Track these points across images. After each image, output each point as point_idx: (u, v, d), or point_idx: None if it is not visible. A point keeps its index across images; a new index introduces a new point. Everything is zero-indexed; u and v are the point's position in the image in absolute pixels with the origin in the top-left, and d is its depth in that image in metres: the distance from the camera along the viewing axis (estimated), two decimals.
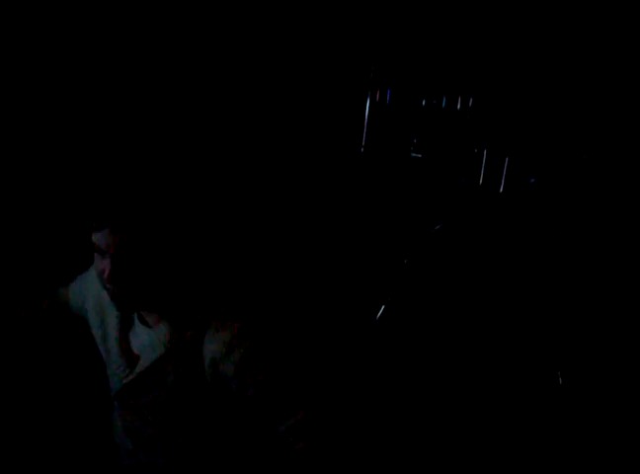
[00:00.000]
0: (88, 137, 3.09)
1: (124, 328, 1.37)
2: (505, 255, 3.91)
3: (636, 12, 3.72)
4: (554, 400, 3.18)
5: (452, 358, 3.46)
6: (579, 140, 3.94)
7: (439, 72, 4.23)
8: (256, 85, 3.96)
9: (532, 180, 4.04)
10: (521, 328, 3.60)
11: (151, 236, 1.15)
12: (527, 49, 3.97)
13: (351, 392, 3.13)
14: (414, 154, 4.32)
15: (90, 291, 1.46)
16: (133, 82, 3.26)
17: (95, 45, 3.05)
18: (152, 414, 1.36)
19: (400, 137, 4.34)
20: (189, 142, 3.59)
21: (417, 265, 4.04)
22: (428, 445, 2.82)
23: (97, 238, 1.14)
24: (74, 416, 2.49)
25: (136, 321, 1.34)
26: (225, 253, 3.51)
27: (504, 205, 4.10)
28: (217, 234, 3.51)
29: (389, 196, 4.35)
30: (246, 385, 1.24)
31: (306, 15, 3.99)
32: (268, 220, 4.02)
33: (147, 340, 1.31)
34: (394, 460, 2.68)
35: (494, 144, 4.17)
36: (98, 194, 1.16)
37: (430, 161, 4.30)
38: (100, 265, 1.17)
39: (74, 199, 2.95)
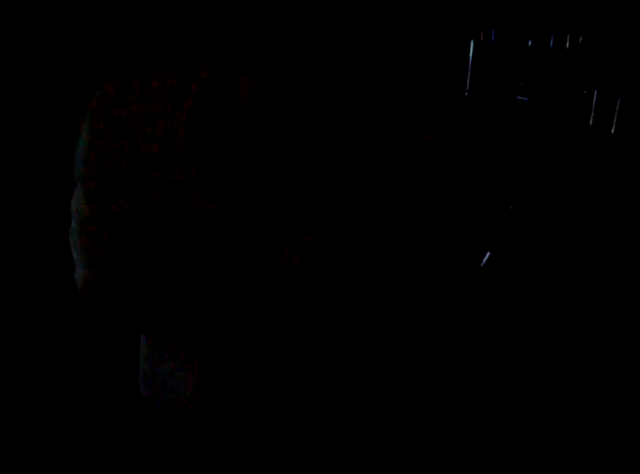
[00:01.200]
0: None
1: None
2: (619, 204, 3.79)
3: None
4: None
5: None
6: None
7: (545, 10, 4.06)
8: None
9: None
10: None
11: None
12: None
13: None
14: (520, 97, 4.14)
15: None
16: None
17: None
18: None
19: (506, 80, 4.15)
20: None
21: (524, 212, 3.88)
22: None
23: None
24: None
25: None
26: None
27: (616, 147, 3.98)
28: None
29: (495, 140, 4.15)
30: None
31: None
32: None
33: None
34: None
35: (605, 85, 4.04)
36: None
37: (537, 104, 4.13)
38: None
39: None
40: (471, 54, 4.11)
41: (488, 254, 3.75)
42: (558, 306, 3.15)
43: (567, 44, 4.07)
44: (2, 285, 2.63)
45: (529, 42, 4.10)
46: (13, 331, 2.56)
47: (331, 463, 1.04)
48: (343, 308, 0.89)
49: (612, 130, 4.04)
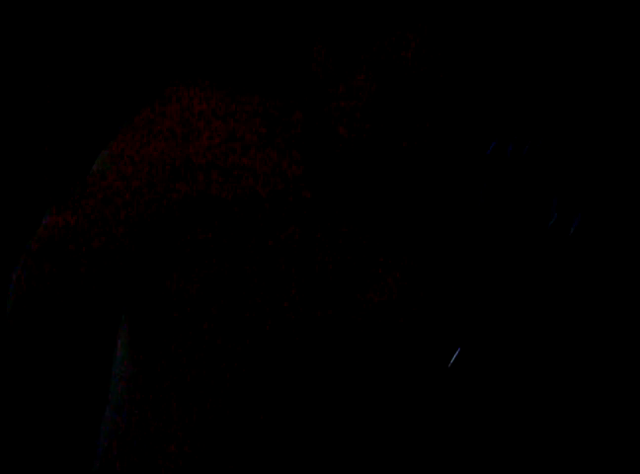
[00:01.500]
0: None
1: None
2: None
3: None
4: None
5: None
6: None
7: (504, 119, 4.19)
8: None
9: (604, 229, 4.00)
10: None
11: None
12: None
13: None
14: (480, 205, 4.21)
15: None
16: None
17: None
18: None
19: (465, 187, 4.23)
20: None
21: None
22: None
23: None
24: None
25: None
26: None
27: (575, 250, 4.02)
28: None
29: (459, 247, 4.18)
30: None
31: None
32: None
33: None
34: None
35: (564, 192, 4.13)
36: None
37: (496, 212, 4.19)
38: None
39: None
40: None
41: (456, 354, 3.69)
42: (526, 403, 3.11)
43: (525, 152, 4.18)
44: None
45: (488, 151, 4.20)
46: None
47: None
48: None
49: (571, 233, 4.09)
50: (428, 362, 1.02)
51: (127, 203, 0.82)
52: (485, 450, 2.63)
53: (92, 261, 0.84)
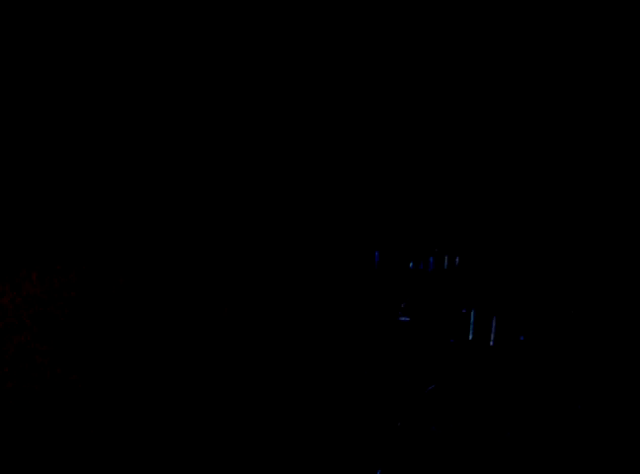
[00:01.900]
0: None
1: None
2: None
3: None
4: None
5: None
6: (564, 293, 4.19)
7: (424, 232, 4.38)
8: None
9: (522, 337, 4.18)
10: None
11: None
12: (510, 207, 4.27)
13: None
14: (402, 318, 4.30)
15: None
16: None
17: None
18: None
19: (388, 301, 4.33)
20: None
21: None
22: None
23: None
24: None
25: None
26: None
27: (495, 359, 4.15)
28: None
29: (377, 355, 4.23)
30: None
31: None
32: None
33: None
34: None
35: (481, 303, 4.30)
36: None
37: (418, 324, 4.30)
38: None
39: None
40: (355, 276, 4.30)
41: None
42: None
43: (445, 265, 4.37)
44: None
45: (410, 265, 4.36)
46: None
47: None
48: None
49: (491, 343, 4.24)
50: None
51: None
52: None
53: None
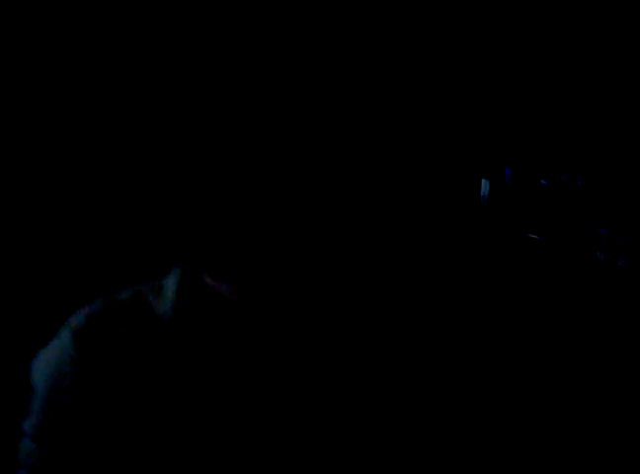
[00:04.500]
0: None
1: None
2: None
3: None
4: None
5: None
6: None
7: (558, 150, 4.24)
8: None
9: None
10: None
11: None
12: None
13: None
14: (532, 235, 4.28)
15: None
16: None
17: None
18: None
19: (518, 218, 4.30)
20: None
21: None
22: None
23: None
24: None
25: None
26: None
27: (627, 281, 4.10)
28: None
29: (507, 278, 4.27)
30: None
31: (421, 95, 3.93)
32: None
33: None
34: None
35: (614, 223, 4.20)
36: None
37: (548, 242, 4.27)
38: None
39: None
40: (486, 193, 4.26)
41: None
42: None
43: (578, 183, 4.24)
44: None
45: (543, 182, 4.26)
46: None
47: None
48: None
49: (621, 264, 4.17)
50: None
51: None
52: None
53: None
